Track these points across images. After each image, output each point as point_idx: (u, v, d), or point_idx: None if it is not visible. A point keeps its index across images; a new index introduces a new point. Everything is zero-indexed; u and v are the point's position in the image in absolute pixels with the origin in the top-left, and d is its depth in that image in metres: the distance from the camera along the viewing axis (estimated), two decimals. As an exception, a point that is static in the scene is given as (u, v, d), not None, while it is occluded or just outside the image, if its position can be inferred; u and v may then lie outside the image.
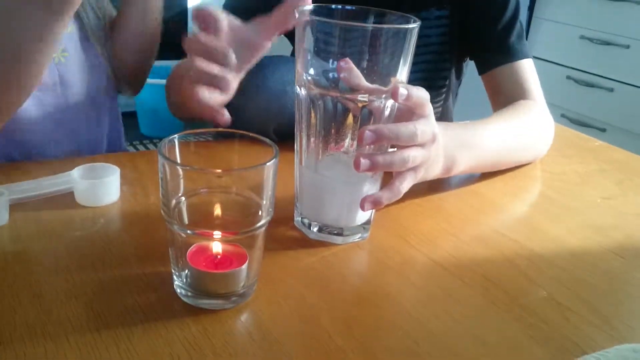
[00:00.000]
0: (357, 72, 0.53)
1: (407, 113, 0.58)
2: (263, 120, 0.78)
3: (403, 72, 0.56)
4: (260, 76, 0.85)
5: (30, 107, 0.76)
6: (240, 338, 0.45)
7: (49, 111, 0.79)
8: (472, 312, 0.50)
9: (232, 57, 0.59)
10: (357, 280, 0.54)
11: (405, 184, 0.59)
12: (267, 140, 0.49)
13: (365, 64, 0.54)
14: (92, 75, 0.83)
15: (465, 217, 0.67)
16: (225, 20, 0.61)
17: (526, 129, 0.80)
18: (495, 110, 0.89)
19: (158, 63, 0.97)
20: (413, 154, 0.58)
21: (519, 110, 0.81)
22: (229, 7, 0.95)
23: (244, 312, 0.48)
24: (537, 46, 2.50)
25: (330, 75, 0.55)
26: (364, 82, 0.54)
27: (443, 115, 1.04)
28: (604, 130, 2.27)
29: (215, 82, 0.60)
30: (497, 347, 0.46)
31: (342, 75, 0.53)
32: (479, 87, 0.92)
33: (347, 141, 0.57)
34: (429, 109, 0.59)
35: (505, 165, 0.77)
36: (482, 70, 0.92)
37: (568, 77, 2.39)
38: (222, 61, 0.59)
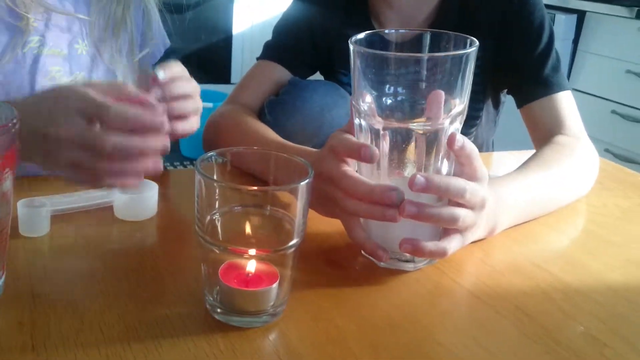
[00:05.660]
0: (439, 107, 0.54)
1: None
2: (299, 140, 0.79)
3: (462, 95, 0.55)
4: (299, 98, 0.87)
5: None
6: (268, 357, 0.45)
7: None
8: (505, 343, 0.49)
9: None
10: (387, 305, 0.53)
11: (452, 246, 0.57)
12: (303, 160, 0.50)
13: (423, 87, 0.53)
14: None
15: (500, 247, 0.65)
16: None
17: (569, 175, 0.77)
18: (535, 145, 0.88)
19: (203, 87, 1.00)
20: (464, 214, 0.56)
21: (561, 153, 0.78)
22: (275, 46, 0.97)
23: (272, 332, 0.48)
24: (582, 80, 2.46)
25: (387, 102, 0.54)
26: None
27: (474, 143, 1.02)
28: (649, 166, 2.21)
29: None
30: (529, 381, 0.45)
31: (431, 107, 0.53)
32: (518, 115, 0.91)
33: (409, 169, 0.57)
34: (481, 172, 0.57)
35: (547, 213, 0.75)
36: (519, 104, 0.90)
37: (613, 112, 2.34)
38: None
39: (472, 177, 0.57)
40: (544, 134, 0.85)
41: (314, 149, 0.69)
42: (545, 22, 0.89)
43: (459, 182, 0.55)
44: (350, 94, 0.91)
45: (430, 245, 0.56)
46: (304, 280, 0.54)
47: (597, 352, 0.49)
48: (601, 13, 2.36)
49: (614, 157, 2.29)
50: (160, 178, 0.74)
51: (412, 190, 0.53)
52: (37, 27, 0.74)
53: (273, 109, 0.88)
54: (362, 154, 0.55)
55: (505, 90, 0.99)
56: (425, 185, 0.53)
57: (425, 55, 0.54)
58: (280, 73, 0.94)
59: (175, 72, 0.69)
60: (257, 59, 0.98)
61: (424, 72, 0.52)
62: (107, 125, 0.53)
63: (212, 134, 0.90)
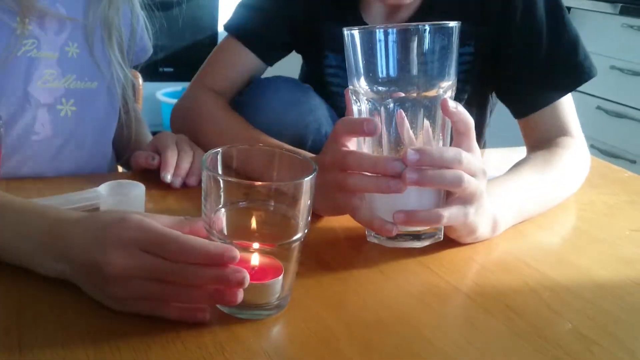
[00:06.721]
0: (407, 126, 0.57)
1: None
2: None
3: (450, 73, 0.56)
4: (261, 97, 0.86)
5: (32, 149, 0.77)
6: (258, 358, 0.45)
7: (47, 156, 0.79)
8: (494, 341, 0.49)
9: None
10: (377, 304, 0.53)
11: (450, 213, 0.56)
12: (307, 156, 0.50)
13: (414, 68, 0.55)
14: (96, 131, 0.84)
15: (489, 245, 0.66)
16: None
17: (565, 175, 0.77)
18: (527, 145, 0.86)
19: (188, 84, 0.99)
20: (467, 177, 0.55)
21: (558, 154, 0.77)
22: (240, 27, 0.92)
23: (262, 332, 0.48)
24: (567, 76, 2.48)
25: (380, 78, 0.56)
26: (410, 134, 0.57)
27: None
28: (634, 162, 2.23)
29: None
30: (519, 379, 0.45)
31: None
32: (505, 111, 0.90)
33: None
34: (476, 146, 0.58)
35: (543, 212, 0.74)
36: (517, 115, 0.87)
37: (598, 108, 2.36)
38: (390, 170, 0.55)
39: (468, 150, 0.57)
40: (542, 137, 0.83)
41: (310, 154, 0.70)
42: (545, 19, 0.83)
43: (452, 149, 0.56)
44: (328, 82, 0.91)
45: (423, 214, 0.56)
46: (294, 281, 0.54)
47: (585, 349, 0.49)
48: (585, 9, 2.37)
49: (599, 153, 2.31)
50: (147, 178, 0.74)
51: (407, 165, 0.53)
52: (32, 30, 0.74)
53: (236, 110, 0.86)
54: (365, 127, 0.56)
55: (492, 93, 0.96)
56: (419, 158, 0.53)
57: (411, 25, 0.56)
58: (250, 62, 0.91)
59: (171, 163, 0.74)
60: (225, 28, 0.92)
61: (414, 47, 0.54)
62: (170, 258, 0.45)
63: (182, 122, 0.88)
